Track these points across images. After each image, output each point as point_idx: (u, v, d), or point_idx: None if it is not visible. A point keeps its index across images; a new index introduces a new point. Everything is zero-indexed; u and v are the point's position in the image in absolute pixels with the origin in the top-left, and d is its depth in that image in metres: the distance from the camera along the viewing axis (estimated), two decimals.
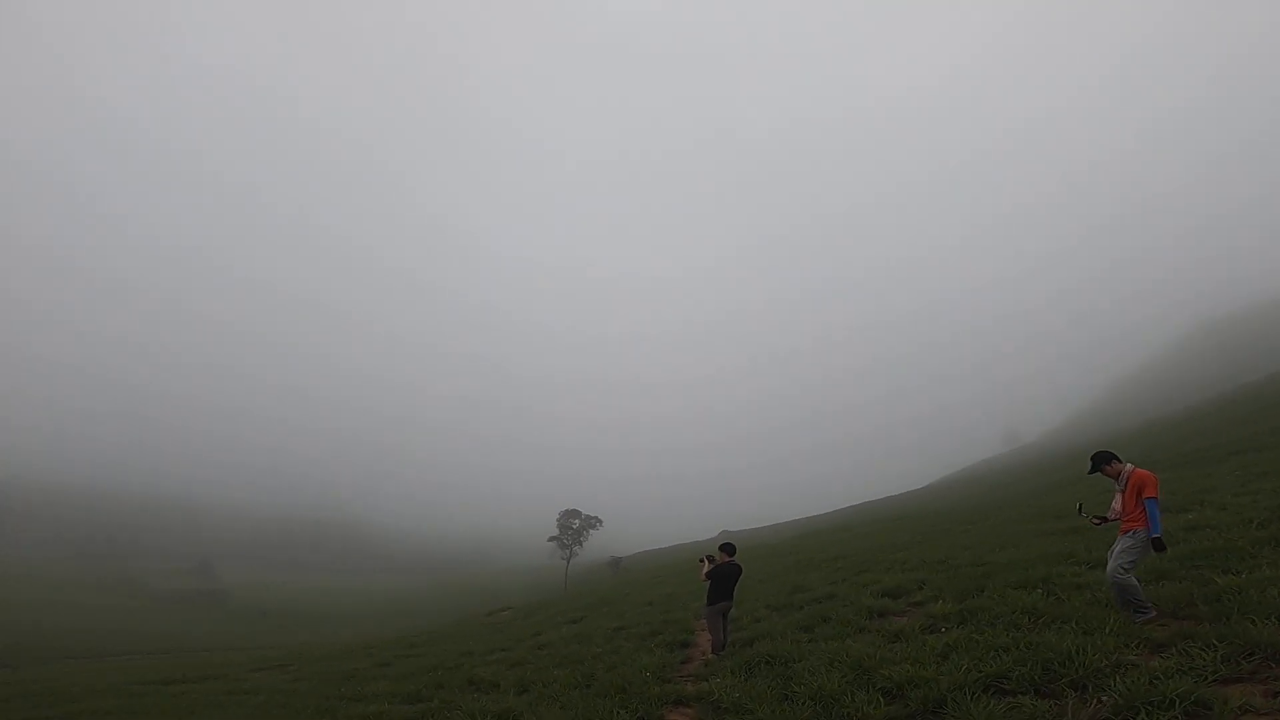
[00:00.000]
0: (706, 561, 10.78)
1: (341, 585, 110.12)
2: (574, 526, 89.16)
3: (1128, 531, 6.64)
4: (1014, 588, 8.67)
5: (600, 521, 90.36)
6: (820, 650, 8.01)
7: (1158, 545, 6.45)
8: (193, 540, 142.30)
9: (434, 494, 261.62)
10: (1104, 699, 4.94)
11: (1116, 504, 6.89)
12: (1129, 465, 6.92)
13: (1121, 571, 6.54)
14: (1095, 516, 7.48)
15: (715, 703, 7.21)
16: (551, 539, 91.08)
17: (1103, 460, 6.97)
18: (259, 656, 21.29)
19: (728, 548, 10.82)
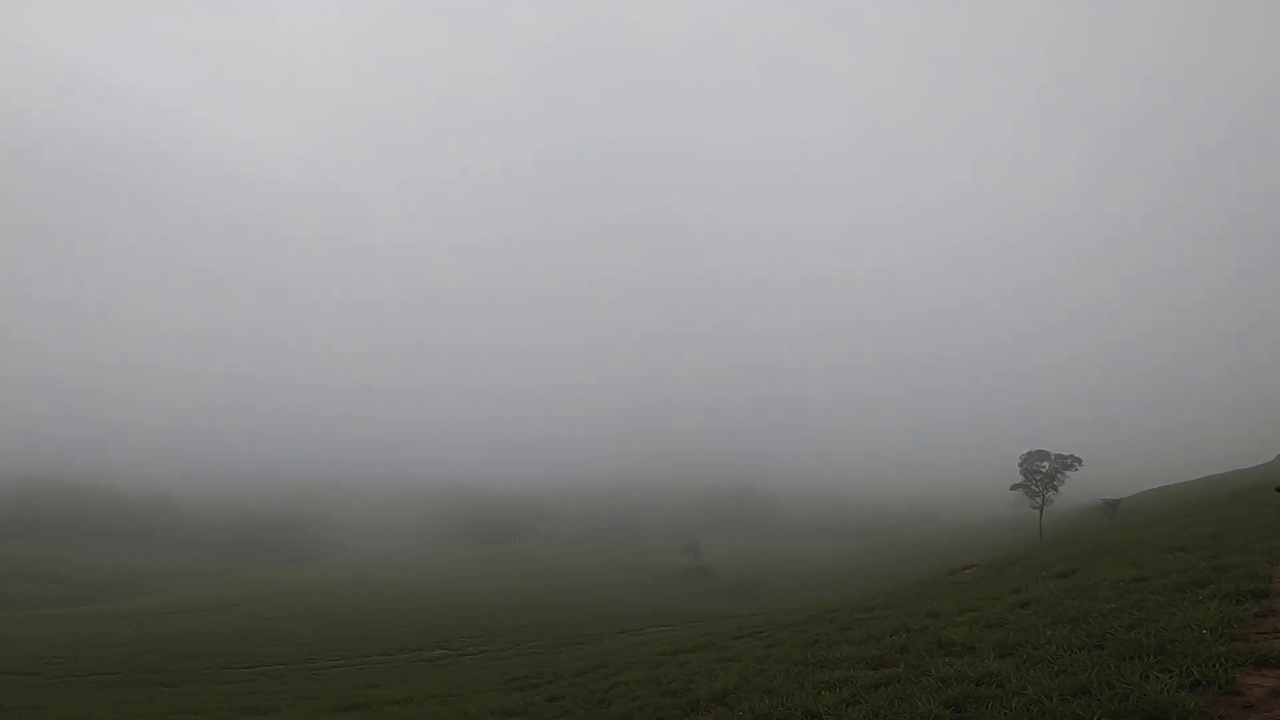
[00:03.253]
0: None
1: (779, 551, 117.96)
2: (1043, 470, 77.62)
3: None
4: None
5: (1079, 461, 76.35)
6: None
7: None
8: (671, 520, 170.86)
9: (849, 458, 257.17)
10: None
11: None
12: None
13: None
14: None
15: None
16: (1015, 487, 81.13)
17: None
18: (738, 625, 23.47)
19: None
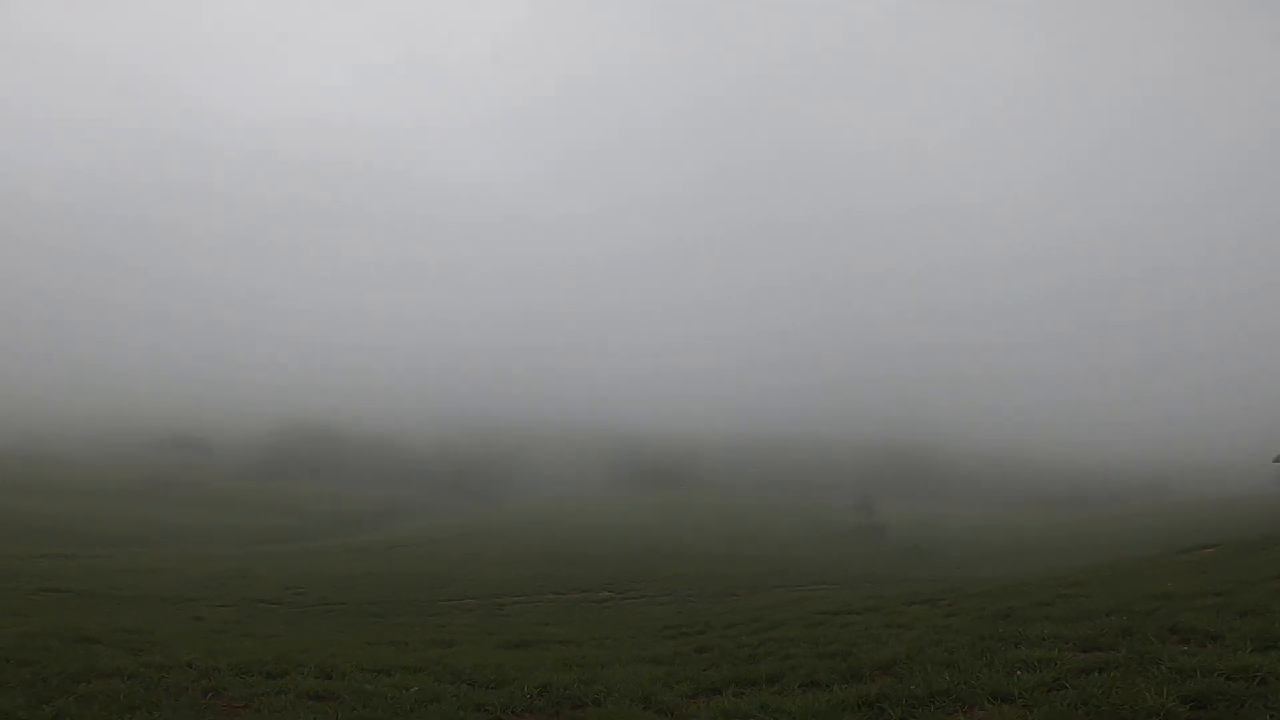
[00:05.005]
0: None
1: (961, 516, 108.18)
2: None
3: None
4: None
5: None
6: None
7: None
8: (840, 476, 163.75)
9: (1052, 413, 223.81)
10: None
11: None
12: None
13: None
14: None
15: None
16: None
17: None
18: (912, 591, 21.76)
19: None
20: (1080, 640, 8.54)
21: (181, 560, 40.49)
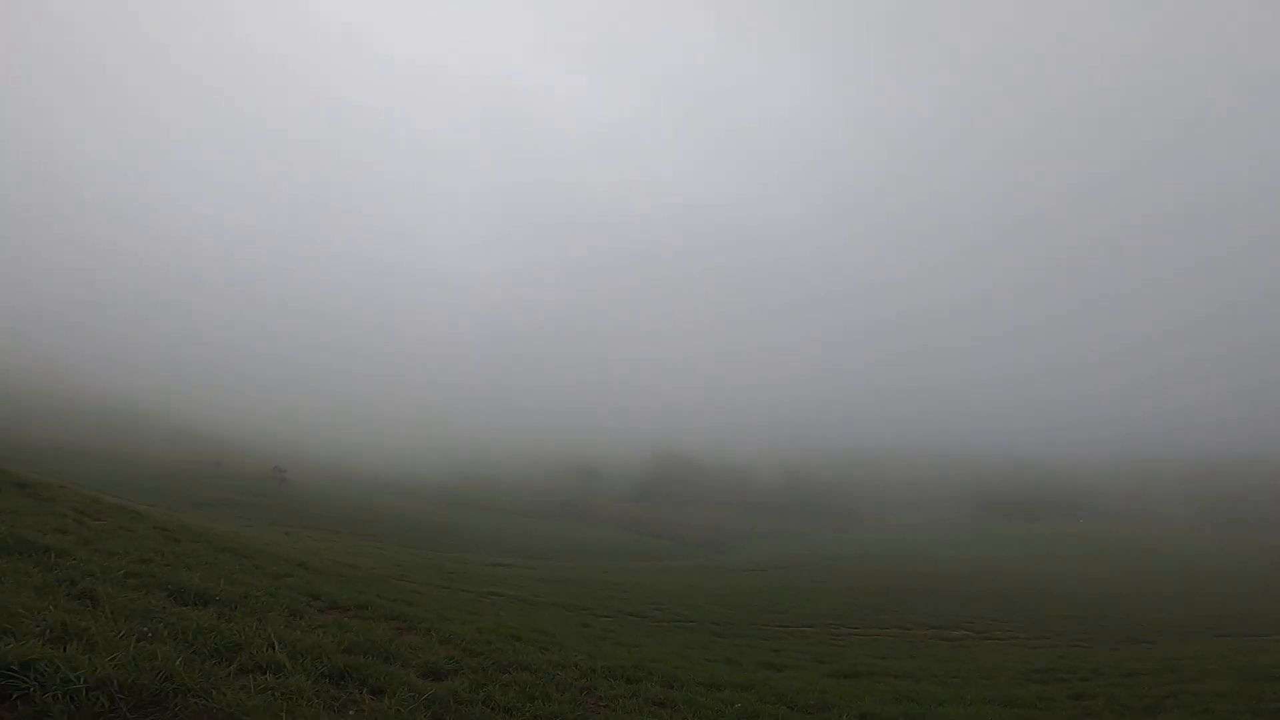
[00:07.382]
0: None
1: None
2: None
3: None
4: None
5: None
6: None
7: None
8: None
9: None
10: None
11: None
12: None
13: None
14: None
15: None
16: None
17: None
18: None
19: None
20: None
21: (579, 571, 46.63)
